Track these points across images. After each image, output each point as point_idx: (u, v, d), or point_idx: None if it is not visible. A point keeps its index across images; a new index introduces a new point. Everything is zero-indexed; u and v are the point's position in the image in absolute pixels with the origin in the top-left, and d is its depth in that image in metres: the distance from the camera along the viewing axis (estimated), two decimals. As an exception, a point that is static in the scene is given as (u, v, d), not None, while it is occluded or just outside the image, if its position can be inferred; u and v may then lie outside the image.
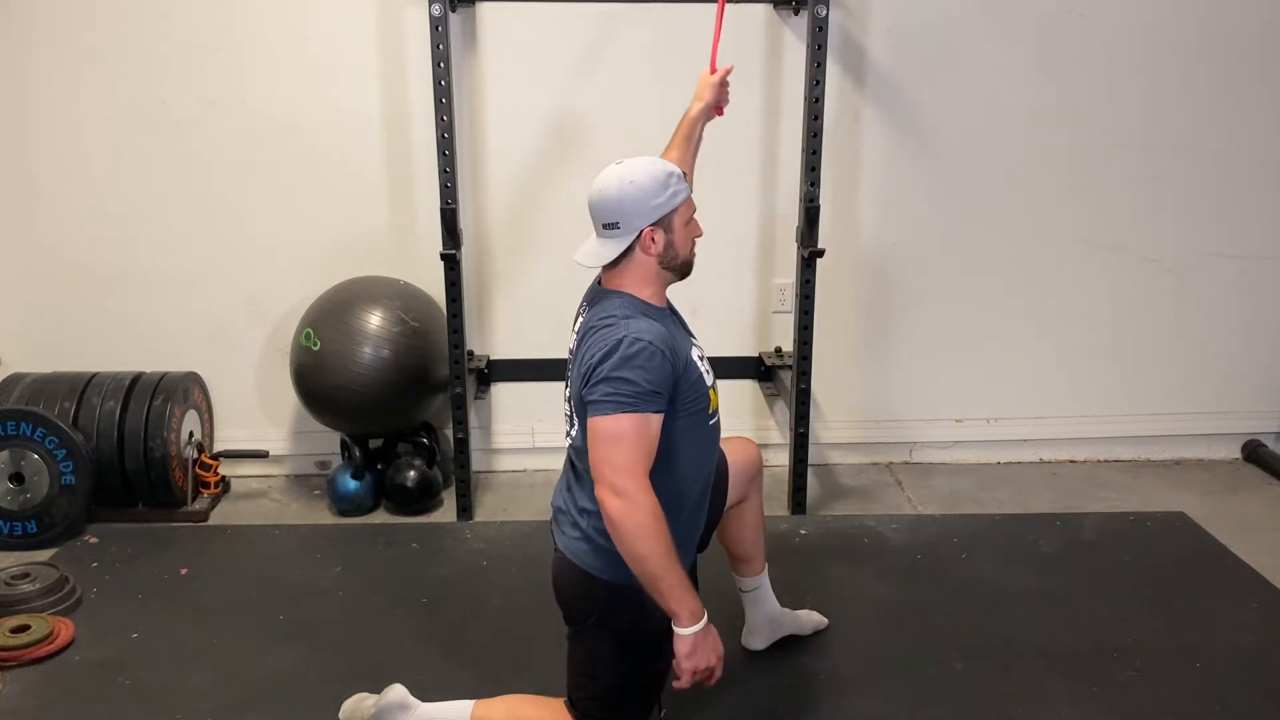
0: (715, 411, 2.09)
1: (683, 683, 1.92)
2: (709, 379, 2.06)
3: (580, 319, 2.10)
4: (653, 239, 1.98)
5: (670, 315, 2.08)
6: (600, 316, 1.98)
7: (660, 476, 1.92)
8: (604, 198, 1.98)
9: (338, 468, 3.52)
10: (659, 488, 1.89)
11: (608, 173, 2.01)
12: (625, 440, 1.86)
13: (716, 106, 2.50)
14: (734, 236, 3.64)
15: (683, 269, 2.05)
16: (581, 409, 1.95)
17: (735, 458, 2.40)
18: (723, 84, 2.49)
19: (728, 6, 3.40)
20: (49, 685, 2.53)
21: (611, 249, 1.99)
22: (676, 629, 1.88)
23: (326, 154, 3.52)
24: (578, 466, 2.06)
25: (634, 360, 1.87)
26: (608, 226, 1.99)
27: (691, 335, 2.12)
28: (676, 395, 1.95)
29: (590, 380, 1.90)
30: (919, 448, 3.90)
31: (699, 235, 2.07)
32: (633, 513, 1.83)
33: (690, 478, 2.06)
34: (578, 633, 2.08)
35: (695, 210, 2.06)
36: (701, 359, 2.06)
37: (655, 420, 1.90)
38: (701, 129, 2.48)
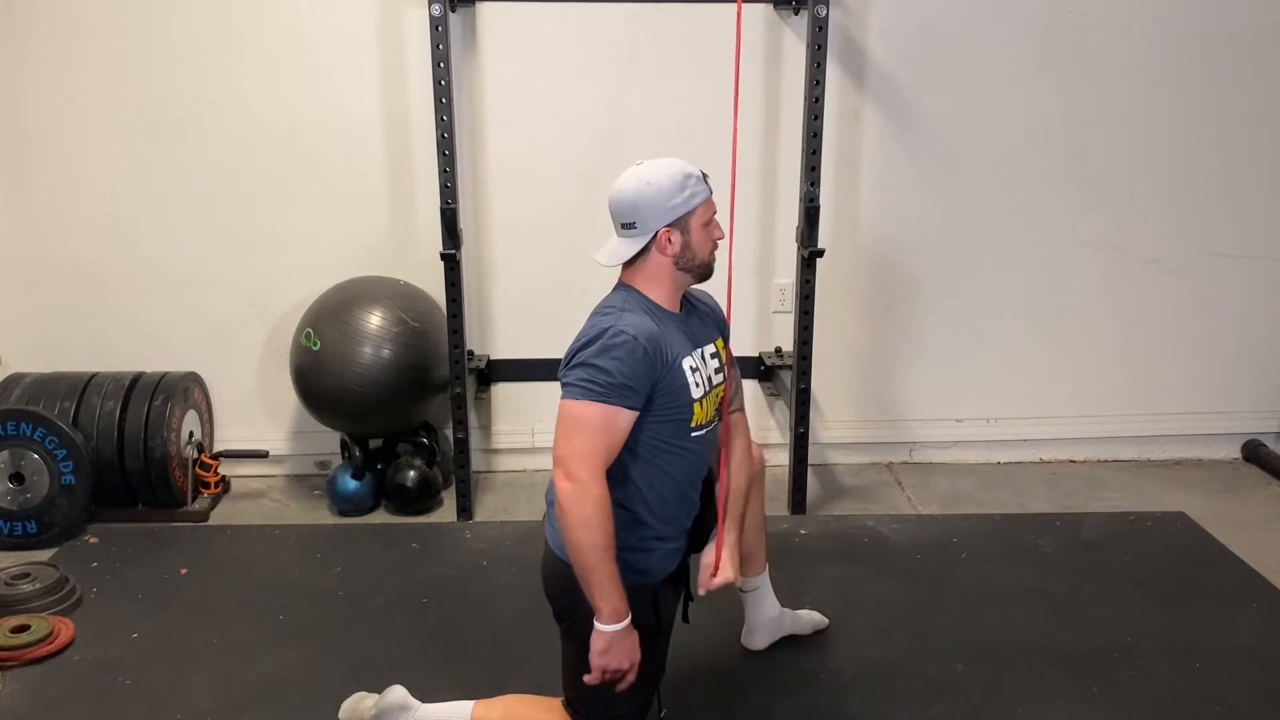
0: (701, 426, 2.06)
1: (592, 678, 1.94)
2: (697, 391, 2.02)
3: None
4: (669, 240, 1.98)
5: (679, 319, 2.06)
6: (601, 306, 2.01)
7: (633, 477, 1.94)
8: (622, 198, 2.00)
9: (338, 468, 3.52)
10: (633, 490, 1.91)
11: (627, 173, 2.02)
12: (589, 428, 1.87)
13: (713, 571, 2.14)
14: (734, 236, 3.63)
15: (701, 270, 2.05)
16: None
17: None
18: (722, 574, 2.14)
19: (728, 7, 3.42)
20: (49, 685, 2.53)
21: (628, 248, 2.00)
22: (597, 624, 1.91)
23: (327, 154, 3.52)
24: None
25: (614, 351, 1.89)
26: (625, 226, 2.00)
27: (699, 346, 2.08)
28: (654, 396, 1.95)
29: (569, 363, 1.93)
30: (919, 448, 3.90)
31: (720, 238, 2.06)
32: (581, 500, 1.85)
33: (671, 488, 2.03)
34: (566, 630, 2.09)
35: (715, 212, 2.06)
36: (695, 370, 2.03)
37: (624, 415, 1.90)
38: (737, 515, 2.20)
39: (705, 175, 2.04)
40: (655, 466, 2.01)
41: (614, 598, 1.89)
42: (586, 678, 1.95)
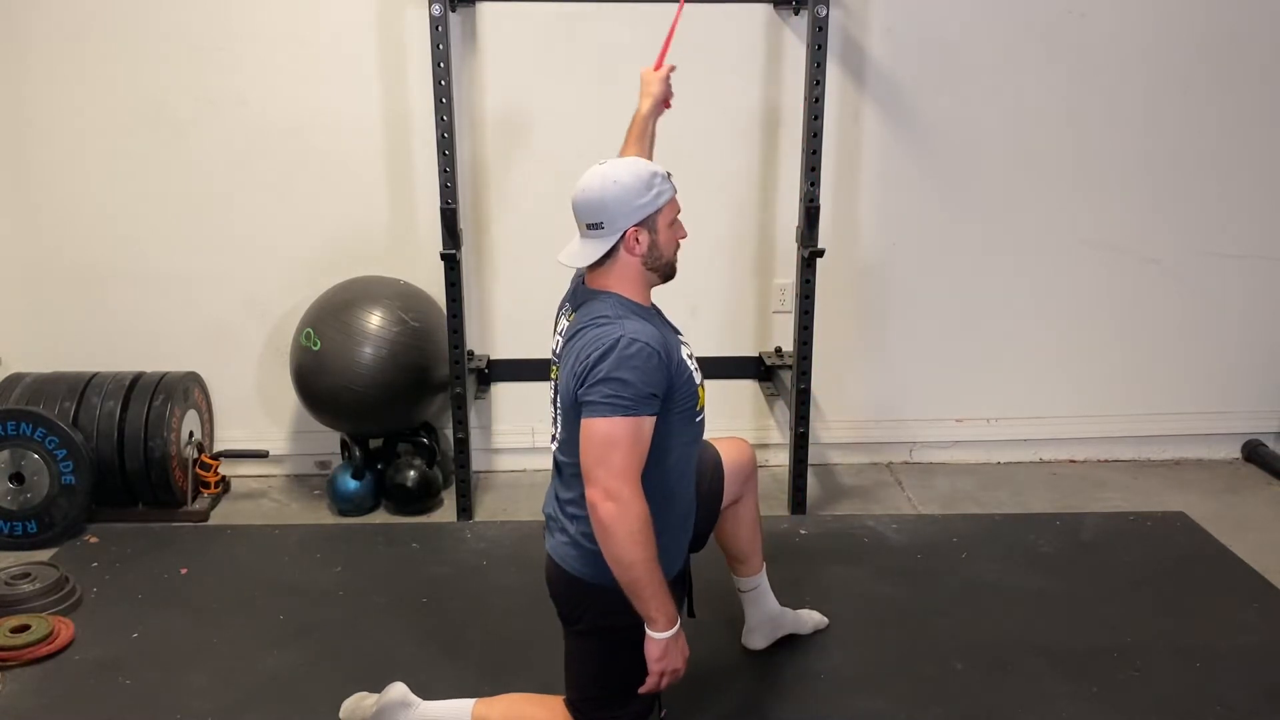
0: (701, 409, 2.09)
1: (649, 686, 1.95)
2: (698, 377, 2.05)
3: (563, 320, 2.09)
4: (637, 239, 1.97)
5: (657, 314, 2.08)
6: (592, 316, 1.97)
7: (651, 475, 1.92)
8: (587, 198, 1.97)
9: (338, 468, 3.52)
10: (650, 486, 1.90)
11: (591, 172, 2.00)
12: (621, 444, 1.86)
13: (664, 100, 2.48)
14: (734, 236, 3.64)
15: (666, 270, 2.04)
16: (573, 410, 1.94)
17: (730, 457, 2.39)
18: (666, 79, 2.47)
19: (728, 8, 3.42)
20: (49, 685, 2.53)
21: (595, 249, 1.98)
22: (651, 632, 1.91)
23: (326, 154, 3.52)
24: (564, 470, 2.06)
25: (631, 361, 1.87)
26: (591, 227, 1.98)
27: (679, 333, 2.11)
28: (669, 395, 1.95)
29: (587, 380, 1.89)
30: (919, 448, 3.90)
31: (683, 237, 2.06)
32: (625, 518, 1.84)
33: (679, 475, 2.06)
34: (573, 634, 2.09)
35: (680, 211, 2.05)
36: (690, 357, 2.05)
37: (649, 424, 1.90)
38: (654, 125, 2.47)
39: (669, 174, 2.03)
40: (671, 457, 2.01)
41: (667, 604, 1.91)
42: (643, 688, 1.95)
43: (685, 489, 2.10)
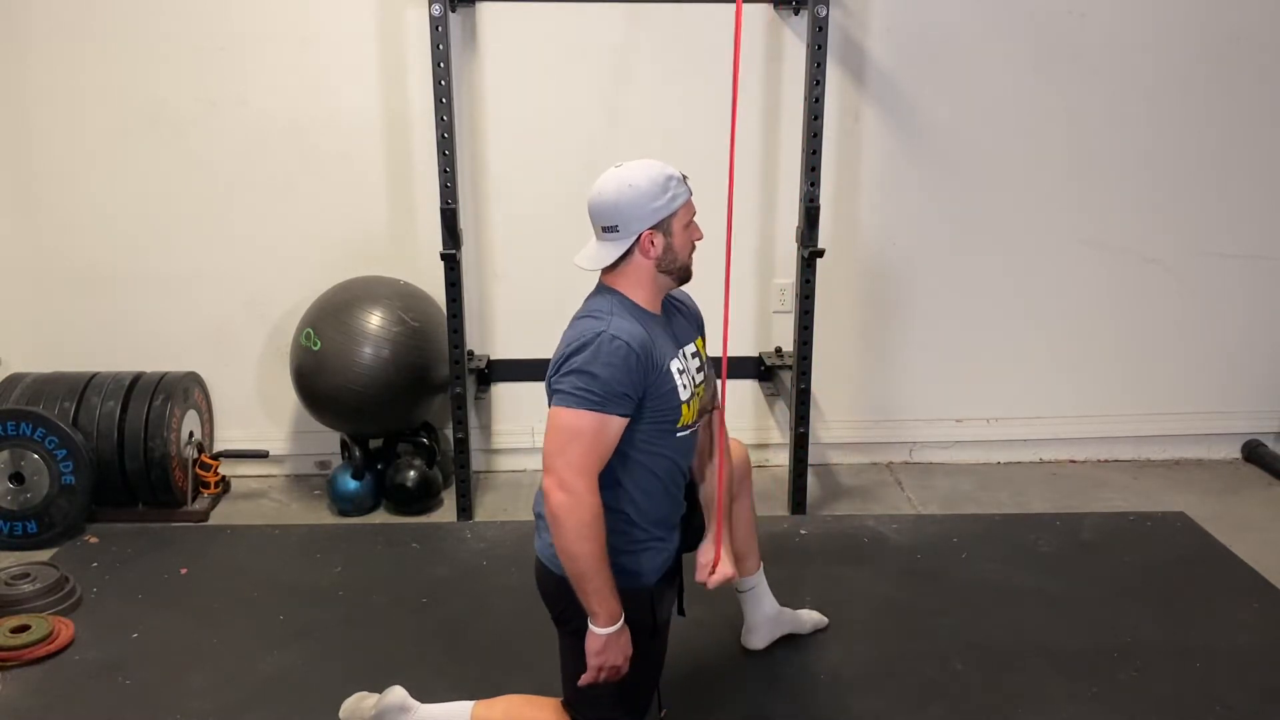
0: (686, 426, 2.06)
1: (588, 678, 1.96)
2: (684, 393, 2.02)
3: None
4: (652, 242, 1.97)
5: (662, 322, 2.06)
6: (588, 309, 2.00)
7: (616, 481, 1.94)
8: (603, 201, 1.98)
9: (338, 468, 3.53)
10: (615, 492, 1.92)
11: (607, 175, 2.00)
12: (583, 437, 1.87)
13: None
14: (734, 236, 3.63)
15: (681, 273, 2.05)
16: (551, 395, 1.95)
17: None
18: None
19: (728, 7, 3.42)
20: (49, 685, 2.53)
21: (610, 252, 1.99)
22: (593, 627, 1.92)
23: (327, 154, 3.52)
24: None
25: (608, 358, 1.88)
26: (607, 229, 1.99)
27: (682, 344, 2.09)
28: (644, 400, 1.95)
29: (561, 369, 1.91)
30: (919, 448, 3.90)
31: (699, 239, 2.06)
32: (577, 510, 1.85)
33: (651, 486, 2.03)
34: (565, 634, 2.09)
35: (695, 214, 2.05)
36: (682, 372, 2.03)
37: (616, 423, 1.90)
38: (718, 493, 2.19)
39: (685, 177, 2.03)
40: (643, 468, 2.00)
41: (610, 601, 1.91)
42: (582, 679, 1.97)
43: (666, 499, 2.07)
